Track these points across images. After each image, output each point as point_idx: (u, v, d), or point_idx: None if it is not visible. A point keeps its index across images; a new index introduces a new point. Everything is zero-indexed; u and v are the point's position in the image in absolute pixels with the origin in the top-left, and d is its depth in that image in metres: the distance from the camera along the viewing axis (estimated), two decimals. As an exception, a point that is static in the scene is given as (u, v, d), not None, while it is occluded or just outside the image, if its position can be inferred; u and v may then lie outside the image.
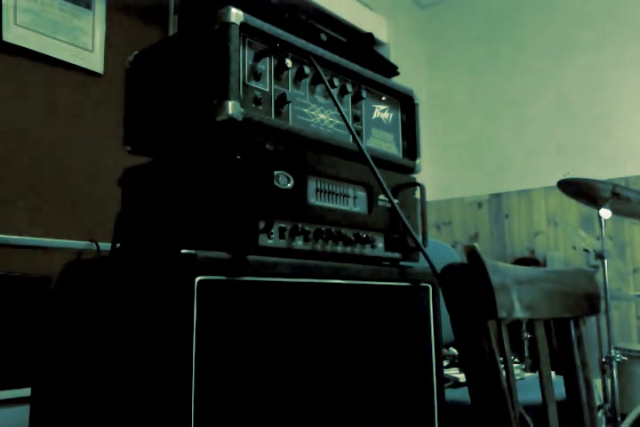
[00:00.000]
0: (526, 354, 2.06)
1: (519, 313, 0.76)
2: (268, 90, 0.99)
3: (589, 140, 3.42)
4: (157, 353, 0.82)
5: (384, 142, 1.22)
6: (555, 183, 2.38)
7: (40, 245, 1.94)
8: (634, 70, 3.33)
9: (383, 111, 1.23)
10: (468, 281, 0.73)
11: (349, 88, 1.13)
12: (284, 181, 0.96)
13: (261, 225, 0.91)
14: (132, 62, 1.14)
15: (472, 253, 0.72)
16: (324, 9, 3.24)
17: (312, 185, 1.02)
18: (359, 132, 1.16)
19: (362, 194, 1.11)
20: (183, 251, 0.82)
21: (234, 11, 0.94)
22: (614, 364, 2.11)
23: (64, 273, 1.05)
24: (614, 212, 2.27)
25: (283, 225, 0.95)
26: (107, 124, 2.16)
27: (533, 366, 1.92)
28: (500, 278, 0.74)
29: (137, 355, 0.86)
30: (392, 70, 1.29)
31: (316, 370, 0.95)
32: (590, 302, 0.93)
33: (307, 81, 1.07)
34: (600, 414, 2.11)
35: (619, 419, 2.10)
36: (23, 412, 1.10)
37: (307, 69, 1.04)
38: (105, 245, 2.04)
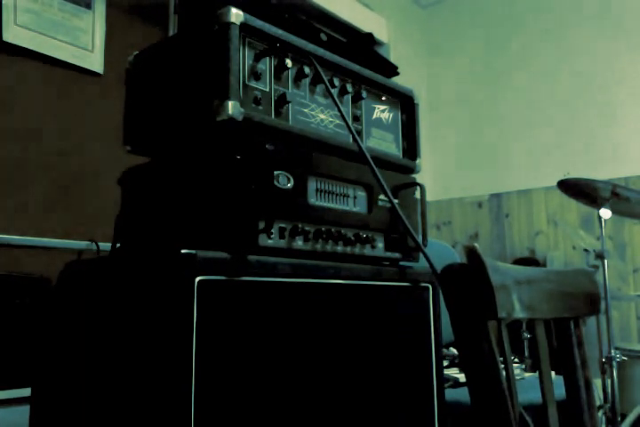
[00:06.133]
0: (526, 354, 2.06)
1: (519, 313, 0.77)
2: (267, 90, 0.99)
3: (589, 140, 3.42)
4: (157, 353, 0.82)
5: (384, 142, 1.22)
6: (555, 183, 2.38)
7: (40, 245, 1.94)
8: (634, 71, 3.33)
9: (383, 111, 1.23)
10: (468, 281, 0.73)
11: (349, 88, 1.13)
12: (284, 181, 0.96)
13: (261, 225, 0.91)
14: (131, 62, 1.13)
15: (472, 253, 0.72)
16: (324, 9, 3.24)
17: (312, 185, 1.02)
18: (359, 132, 1.16)
19: (362, 194, 1.11)
20: (183, 251, 0.82)
21: (234, 11, 0.94)
22: (614, 364, 2.11)
23: (64, 273, 1.05)
24: (614, 212, 2.27)
25: (283, 225, 0.95)
26: (106, 124, 2.16)
27: (533, 366, 1.92)
28: (500, 278, 0.74)
29: (137, 355, 0.86)
30: (392, 70, 1.29)
31: (315, 370, 0.95)
32: (590, 301, 0.93)
33: (307, 81, 1.07)
34: (600, 414, 2.11)
35: (619, 419, 2.10)
36: (23, 412, 1.10)
37: (307, 69, 1.04)
38: (105, 245, 2.04)
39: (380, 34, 3.65)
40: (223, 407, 0.83)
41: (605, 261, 2.21)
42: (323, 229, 1.01)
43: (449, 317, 0.74)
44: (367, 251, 1.10)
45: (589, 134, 3.42)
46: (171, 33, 2.44)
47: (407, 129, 1.27)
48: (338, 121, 1.11)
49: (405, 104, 1.28)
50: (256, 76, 0.97)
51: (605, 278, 2.19)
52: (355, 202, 1.09)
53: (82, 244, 2.04)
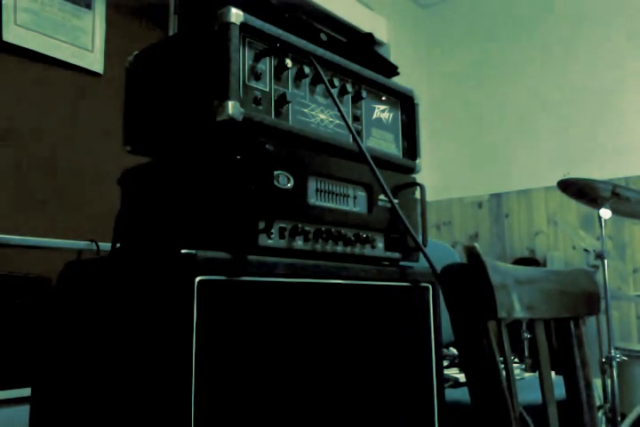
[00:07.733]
0: (526, 354, 2.06)
1: (519, 313, 0.76)
2: (267, 90, 0.99)
3: (589, 140, 3.42)
4: (157, 353, 0.82)
5: (384, 142, 1.22)
6: (555, 183, 2.38)
7: (40, 245, 1.94)
8: (633, 71, 3.33)
9: (383, 111, 1.23)
10: (468, 281, 0.73)
11: (349, 88, 1.13)
12: (284, 181, 0.96)
13: (261, 225, 0.91)
14: (131, 62, 1.13)
15: (472, 253, 0.72)
16: (324, 9, 3.24)
17: (312, 185, 1.02)
18: (359, 132, 1.16)
19: (362, 194, 1.11)
20: (183, 251, 0.82)
21: (234, 11, 0.94)
22: (614, 364, 2.11)
23: (64, 273, 1.05)
24: (614, 212, 2.27)
25: (283, 225, 0.95)
26: (106, 124, 2.16)
27: (533, 366, 1.92)
28: (499, 278, 0.74)
29: (137, 355, 0.86)
30: (392, 70, 1.29)
31: (315, 370, 0.95)
32: (590, 301, 0.93)
33: (307, 81, 1.07)
34: (600, 414, 2.11)
35: (619, 419, 2.10)
36: (23, 412, 1.10)
37: (307, 69, 1.04)
38: (105, 245, 2.04)
39: (380, 34, 3.65)
40: (223, 408, 0.83)
41: (605, 261, 2.21)
42: (323, 229, 1.01)
43: (449, 317, 0.74)
44: (367, 251, 1.10)
45: (589, 134, 3.42)
46: (171, 33, 2.43)
47: (407, 129, 1.27)
48: (338, 121, 1.11)
49: (405, 104, 1.28)
50: (256, 76, 0.97)
51: (605, 278, 2.19)
52: (355, 202, 1.09)
53: (82, 244, 2.04)
